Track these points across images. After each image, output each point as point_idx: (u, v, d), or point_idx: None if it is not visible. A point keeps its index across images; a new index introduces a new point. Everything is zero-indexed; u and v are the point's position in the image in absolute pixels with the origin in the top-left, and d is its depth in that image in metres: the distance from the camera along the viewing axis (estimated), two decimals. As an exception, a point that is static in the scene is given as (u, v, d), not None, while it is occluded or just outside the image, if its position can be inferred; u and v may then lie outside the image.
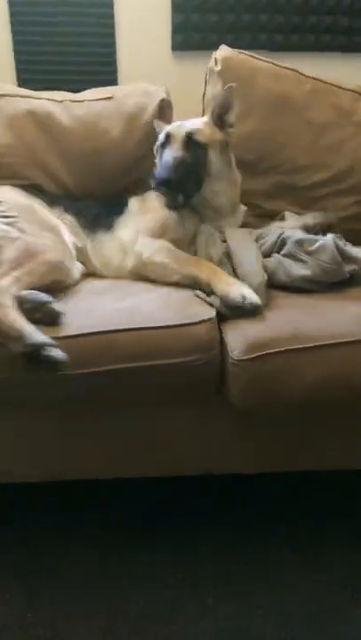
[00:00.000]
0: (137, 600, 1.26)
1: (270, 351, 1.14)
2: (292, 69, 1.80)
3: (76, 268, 1.51)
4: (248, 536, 1.45)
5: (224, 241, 1.52)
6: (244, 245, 1.48)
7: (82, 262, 1.59)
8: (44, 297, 1.24)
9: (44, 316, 1.22)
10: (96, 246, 1.62)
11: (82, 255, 1.60)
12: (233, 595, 1.27)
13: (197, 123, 1.58)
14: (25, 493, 1.53)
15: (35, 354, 1.12)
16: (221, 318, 1.27)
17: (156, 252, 1.46)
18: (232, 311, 1.26)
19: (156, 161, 1.63)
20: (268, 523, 1.49)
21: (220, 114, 1.57)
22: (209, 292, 1.33)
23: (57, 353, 1.13)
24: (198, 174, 1.53)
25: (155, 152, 1.67)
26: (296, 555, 1.39)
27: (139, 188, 1.75)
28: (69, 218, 1.64)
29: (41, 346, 1.12)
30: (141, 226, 1.58)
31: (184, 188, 1.48)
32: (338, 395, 1.20)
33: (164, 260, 1.43)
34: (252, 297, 1.25)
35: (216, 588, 1.29)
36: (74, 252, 1.53)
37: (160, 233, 1.54)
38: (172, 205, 1.49)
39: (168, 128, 1.58)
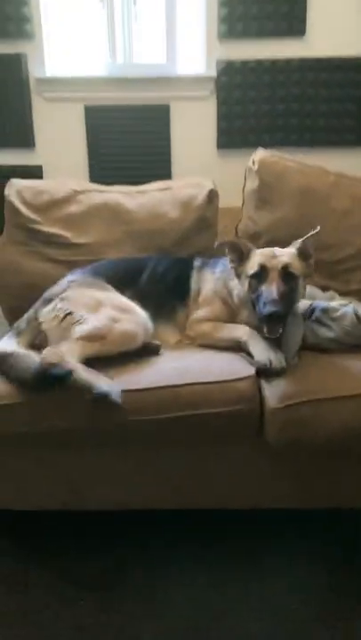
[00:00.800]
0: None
1: (298, 400, 1.42)
2: (316, 166, 2.15)
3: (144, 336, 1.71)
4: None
5: None
6: (294, 326, 1.69)
7: None
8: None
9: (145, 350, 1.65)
10: (160, 331, 1.83)
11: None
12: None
13: (288, 254, 1.69)
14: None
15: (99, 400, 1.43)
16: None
17: (202, 335, 1.78)
18: (259, 371, 1.55)
19: (246, 291, 1.71)
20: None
21: (306, 247, 1.73)
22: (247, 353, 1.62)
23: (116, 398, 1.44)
24: (292, 301, 1.66)
25: (242, 283, 1.73)
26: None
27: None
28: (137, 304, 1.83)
29: (106, 395, 1.42)
30: (195, 314, 1.86)
31: (286, 317, 1.62)
32: (357, 440, 1.46)
33: (211, 334, 1.75)
34: (278, 362, 1.53)
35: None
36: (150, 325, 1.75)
37: (212, 318, 1.83)
38: (274, 336, 1.59)
39: (260, 260, 1.66)
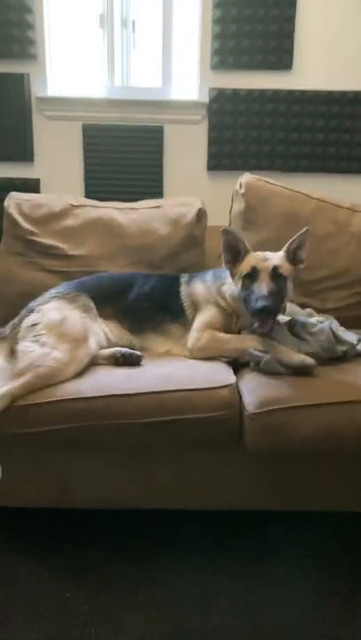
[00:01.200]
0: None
1: (275, 407, 1.55)
2: (299, 192, 2.30)
3: (73, 371, 1.72)
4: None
5: None
6: (281, 332, 1.85)
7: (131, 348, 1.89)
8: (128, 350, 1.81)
9: (126, 361, 1.76)
10: (146, 342, 1.96)
11: (130, 345, 1.93)
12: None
13: (277, 257, 1.83)
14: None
15: None
16: (239, 382, 1.69)
17: (205, 346, 1.85)
18: (295, 370, 1.68)
19: (239, 290, 1.83)
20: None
21: (295, 249, 1.86)
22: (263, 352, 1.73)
23: None
24: (282, 299, 1.81)
25: (236, 282, 1.86)
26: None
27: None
28: (115, 323, 1.96)
29: None
30: (193, 325, 1.93)
31: (276, 313, 1.78)
32: (327, 444, 1.58)
33: (220, 348, 1.83)
34: (309, 360, 1.69)
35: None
36: (91, 355, 1.79)
37: (211, 327, 1.90)
38: (266, 331, 1.74)
39: (252, 262, 1.80)
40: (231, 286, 1.91)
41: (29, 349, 1.73)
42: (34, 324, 1.81)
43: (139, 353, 1.84)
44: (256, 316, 1.76)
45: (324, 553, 1.80)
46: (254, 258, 1.85)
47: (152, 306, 1.99)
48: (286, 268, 1.84)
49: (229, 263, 1.89)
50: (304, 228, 1.87)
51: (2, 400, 1.58)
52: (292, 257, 1.87)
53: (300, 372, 1.69)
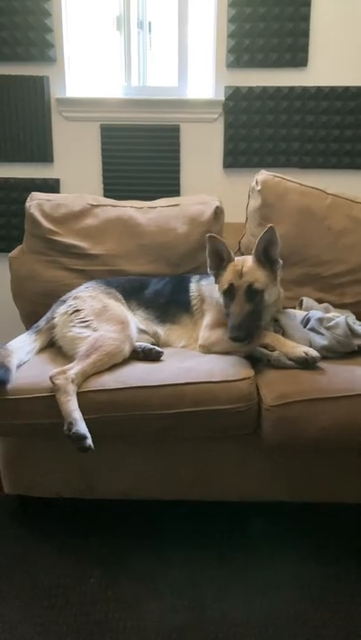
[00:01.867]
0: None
1: (292, 400, 1.59)
2: (315, 188, 2.32)
3: (129, 350, 1.85)
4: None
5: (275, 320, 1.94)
6: (292, 325, 1.90)
7: (155, 340, 2.02)
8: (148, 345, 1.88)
9: (146, 356, 1.83)
10: (166, 331, 2.06)
11: (155, 337, 2.04)
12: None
13: (251, 271, 1.85)
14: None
15: (74, 437, 1.56)
16: (257, 375, 1.73)
17: (214, 343, 1.91)
18: (299, 364, 1.71)
19: (224, 302, 1.90)
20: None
21: (264, 249, 1.86)
22: (272, 350, 1.77)
23: (89, 443, 1.57)
24: (259, 312, 1.84)
25: (219, 292, 1.92)
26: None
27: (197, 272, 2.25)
28: (141, 312, 2.07)
29: (82, 437, 1.56)
30: (203, 322, 2.02)
31: (250, 328, 1.79)
32: (344, 437, 1.61)
33: (226, 346, 1.85)
34: (313, 352, 1.71)
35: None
36: (135, 338, 1.90)
37: (218, 325, 1.96)
38: (242, 342, 1.78)
39: (230, 278, 1.86)
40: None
41: (84, 334, 1.84)
42: (76, 311, 1.93)
43: (159, 349, 1.89)
44: (232, 333, 1.77)
45: (336, 543, 1.83)
46: (232, 272, 1.88)
47: (167, 300, 2.10)
48: (261, 279, 1.85)
49: (214, 269, 1.96)
50: (267, 226, 1.85)
51: (79, 377, 1.68)
52: (264, 260, 1.89)
53: (304, 365, 1.71)
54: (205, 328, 1.99)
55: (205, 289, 2.09)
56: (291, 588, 1.64)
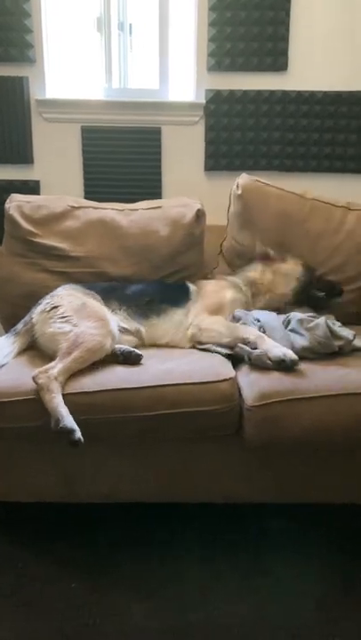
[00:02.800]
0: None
1: (274, 400, 1.60)
2: (295, 193, 2.35)
3: (110, 345, 1.85)
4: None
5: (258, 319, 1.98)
6: (273, 325, 1.94)
7: (138, 338, 2.02)
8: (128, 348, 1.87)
9: (126, 359, 1.81)
10: (149, 328, 2.05)
11: (137, 335, 2.03)
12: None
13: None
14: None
15: (62, 431, 1.57)
16: (239, 376, 1.73)
17: (212, 323, 1.98)
18: (276, 365, 1.71)
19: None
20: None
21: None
22: (253, 349, 1.79)
23: (78, 436, 1.57)
24: None
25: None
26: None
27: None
28: (122, 312, 2.05)
29: (70, 430, 1.56)
30: (202, 305, 2.09)
31: None
32: (324, 436, 1.63)
33: (218, 329, 1.94)
34: (291, 355, 1.72)
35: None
36: (117, 335, 1.91)
37: (216, 311, 2.05)
38: None
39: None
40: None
41: (65, 329, 1.83)
42: (54, 307, 1.92)
43: (139, 352, 1.87)
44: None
45: (321, 543, 1.85)
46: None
47: (152, 298, 2.11)
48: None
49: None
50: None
51: (61, 375, 1.67)
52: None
53: (280, 366, 1.71)
54: (203, 312, 2.04)
55: (207, 283, 2.22)
56: (276, 589, 1.65)
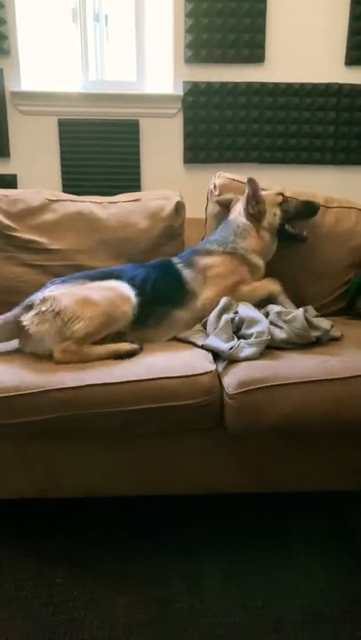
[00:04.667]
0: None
1: (254, 387, 1.60)
2: (272, 193, 2.29)
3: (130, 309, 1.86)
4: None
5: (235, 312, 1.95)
6: (252, 317, 1.90)
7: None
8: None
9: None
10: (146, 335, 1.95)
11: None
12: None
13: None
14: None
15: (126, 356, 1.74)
16: (219, 369, 1.73)
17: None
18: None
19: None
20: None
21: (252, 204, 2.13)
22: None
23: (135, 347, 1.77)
24: None
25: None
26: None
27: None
28: None
29: (130, 352, 1.76)
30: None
31: None
32: (302, 422, 1.64)
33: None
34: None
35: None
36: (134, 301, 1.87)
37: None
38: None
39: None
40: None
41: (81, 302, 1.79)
42: (55, 313, 1.78)
43: (137, 345, 1.84)
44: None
45: (304, 532, 1.87)
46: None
47: (154, 296, 1.96)
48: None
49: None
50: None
51: (80, 341, 1.75)
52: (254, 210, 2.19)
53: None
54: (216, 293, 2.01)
55: (200, 263, 2.08)
56: (259, 579, 1.66)
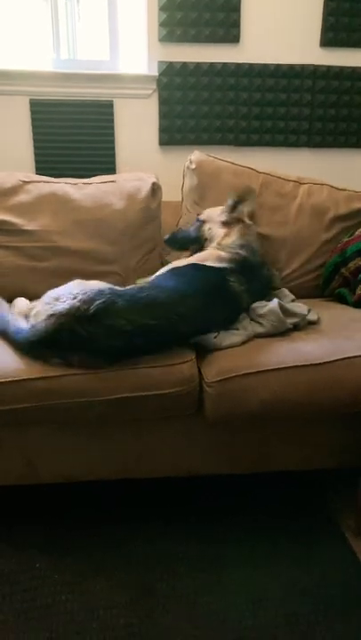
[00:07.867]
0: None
1: (233, 375, 1.61)
2: (247, 167, 2.34)
3: None
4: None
5: None
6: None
7: None
8: None
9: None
10: None
11: None
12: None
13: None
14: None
15: None
16: (198, 357, 1.73)
17: None
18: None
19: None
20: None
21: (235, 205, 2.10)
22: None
23: None
24: None
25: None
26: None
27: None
28: None
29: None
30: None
31: None
32: (280, 407, 1.66)
33: None
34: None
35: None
36: None
37: None
38: None
39: None
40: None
41: None
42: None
43: None
44: None
45: (282, 512, 1.91)
46: None
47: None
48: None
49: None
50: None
51: None
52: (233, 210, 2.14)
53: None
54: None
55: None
56: (240, 559, 1.69)
